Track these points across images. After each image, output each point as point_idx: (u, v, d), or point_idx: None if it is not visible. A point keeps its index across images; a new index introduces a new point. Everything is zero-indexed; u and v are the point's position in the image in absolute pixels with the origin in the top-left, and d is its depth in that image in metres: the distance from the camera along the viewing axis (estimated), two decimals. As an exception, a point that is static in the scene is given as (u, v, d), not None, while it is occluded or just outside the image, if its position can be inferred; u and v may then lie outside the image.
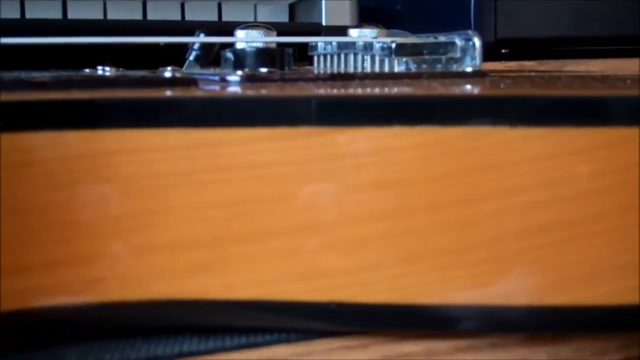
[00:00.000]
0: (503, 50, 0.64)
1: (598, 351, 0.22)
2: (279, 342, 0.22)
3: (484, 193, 0.21)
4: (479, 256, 0.21)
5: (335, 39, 0.37)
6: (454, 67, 0.33)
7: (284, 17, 0.60)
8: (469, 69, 0.33)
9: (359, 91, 0.26)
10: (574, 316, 0.21)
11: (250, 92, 0.25)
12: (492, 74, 0.33)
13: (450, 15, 0.66)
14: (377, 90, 0.26)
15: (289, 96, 0.22)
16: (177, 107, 0.21)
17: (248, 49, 0.33)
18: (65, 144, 0.20)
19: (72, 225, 0.20)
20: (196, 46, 0.40)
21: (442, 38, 0.34)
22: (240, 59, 0.33)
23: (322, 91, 0.25)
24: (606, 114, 0.21)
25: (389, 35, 0.37)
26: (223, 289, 0.21)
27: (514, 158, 0.20)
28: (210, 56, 0.40)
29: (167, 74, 0.32)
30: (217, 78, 0.30)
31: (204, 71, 0.35)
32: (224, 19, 0.57)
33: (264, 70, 0.32)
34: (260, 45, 0.33)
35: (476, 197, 0.21)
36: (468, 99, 0.22)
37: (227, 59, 0.33)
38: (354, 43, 0.35)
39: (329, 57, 0.38)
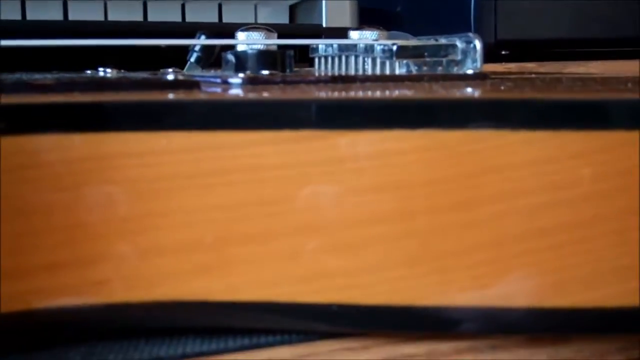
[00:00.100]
0: (503, 52, 0.64)
1: (598, 353, 0.22)
2: (281, 343, 0.22)
3: (484, 196, 0.21)
4: (480, 258, 0.21)
5: (336, 42, 0.37)
6: (455, 70, 0.33)
7: (284, 18, 0.60)
8: (469, 72, 0.33)
9: (360, 94, 0.26)
10: (574, 318, 0.21)
11: (253, 96, 0.25)
12: (493, 76, 0.33)
13: (450, 17, 0.66)
14: (378, 94, 0.26)
15: (291, 100, 0.23)
16: (180, 110, 0.21)
17: (249, 51, 0.33)
18: (70, 147, 0.20)
19: (76, 227, 0.21)
20: (197, 48, 0.40)
21: (443, 40, 0.34)
22: (241, 61, 0.33)
23: (323, 94, 0.25)
24: (607, 117, 0.21)
25: (389, 37, 0.37)
26: (226, 291, 0.21)
27: (514, 161, 0.21)
28: (212, 58, 0.40)
29: (170, 76, 0.32)
30: (219, 80, 0.30)
31: (205, 73, 0.35)
32: (225, 19, 0.57)
33: (265, 72, 0.32)
34: (261, 47, 0.33)
35: (477, 200, 0.21)
36: (469, 103, 0.22)
37: (228, 61, 0.33)
38: (355, 45, 0.35)
39: (329, 59, 0.38)
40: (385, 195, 0.21)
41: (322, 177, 0.21)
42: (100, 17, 0.54)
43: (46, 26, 0.51)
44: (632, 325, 0.21)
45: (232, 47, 0.34)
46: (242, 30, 0.34)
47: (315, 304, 0.21)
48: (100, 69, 0.39)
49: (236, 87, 0.29)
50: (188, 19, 0.56)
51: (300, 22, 0.60)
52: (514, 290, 0.21)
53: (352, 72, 0.35)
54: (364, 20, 0.59)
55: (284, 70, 0.33)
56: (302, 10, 0.60)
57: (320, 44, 0.38)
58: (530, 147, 0.20)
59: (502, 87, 0.28)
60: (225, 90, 0.28)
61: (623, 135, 0.20)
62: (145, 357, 0.21)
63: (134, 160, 0.21)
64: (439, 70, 0.33)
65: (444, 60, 0.34)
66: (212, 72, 0.36)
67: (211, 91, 0.27)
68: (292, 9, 0.60)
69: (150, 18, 0.55)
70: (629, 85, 0.29)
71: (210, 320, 0.22)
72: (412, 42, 0.34)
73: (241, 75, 0.30)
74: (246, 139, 0.21)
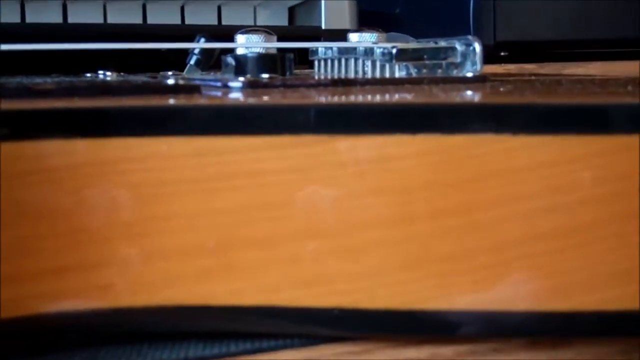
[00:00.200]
0: (502, 53, 0.64)
1: (598, 356, 0.22)
2: (283, 347, 0.22)
3: (484, 200, 0.21)
4: (480, 262, 0.21)
5: (336, 44, 0.37)
6: (455, 72, 0.33)
7: (283, 20, 0.60)
8: (469, 74, 0.33)
9: (361, 99, 0.26)
10: (574, 321, 0.21)
11: (254, 100, 0.25)
12: (492, 79, 0.34)
13: (449, 18, 0.67)
14: (378, 98, 0.26)
15: (292, 104, 0.23)
16: (182, 115, 0.21)
17: (249, 55, 0.33)
18: (73, 152, 0.20)
19: (80, 232, 0.21)
20: (197, 50, 0.40)
21: (442, 43, 0.34)
22: (241, 64, 0.33)
23: (324, 99, 0.25)
24: (607, 122, 0.21)
25: (388, 39, 0.37)
26: (228, 295, 0.21)
27: (515, 166, 0.21)
28: (211, 60, 0.40)
29: (170, 80, 0.33)
30: (219, 84, 0.30)
31: (205, 76, 0.35)
32: (224, 22, 0.57)
33: (265, 76, 0.32)
34: (261, 50, 0.33)
35: (477, 204, 0.21)
36: (470, 107, 0.22)
37: (228, 64, 0.34)
38: (354, 48, 0.35)
39: (329, 62, 0.38)
40: (385, 200, 0.21)
41: (323, 181, 0.21)
42: (99, 19, 0.54)
43: (46, 29, 0.51)
44: (632, 329, 0.21)
45: (232, 50, 0.34)
46: (241, 33, 0.34)
47: (317, 308, 0.21)
48: (100, 72, 0.39)
49: (237, 91, 0.29)
50: (187, 21, 0.56)
51: (300, 24, 0.60)
52: (514, 294, 0.21)
53: (352, 74, 0.36)
54: (363, 21, 0.60)
55: (284, 74, 0.33)
56: (301, 12, 0.60)
57: (320, 47, 0.38)
58: (530, 152, 0.21)
59: (502, 91, 0.28)
60: (225, 94, 0.28)
61: (622, 139, 0.21)
62: (148, 361, 0.21)
63: (136, 165, 0.21)
64: (439, 72, 0.33)
65: (444, 62, 0.34)
66: (212, 76, 0.36)
67: (212, 95, 0.27)
68: (291, 11, 0.60)
69: (150, 20, 0.55)
70: (629, 87, 0.29)
71: (212, 325, 0.22)
72: (412, 44, 0.34)
73: (241, 79, 0.31)
74: (248, 144, 0.21)
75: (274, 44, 0.34)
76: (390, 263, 0.21)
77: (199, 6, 0.56)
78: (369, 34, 0.37)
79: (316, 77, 0.35)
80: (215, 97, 0.27)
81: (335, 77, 0.35)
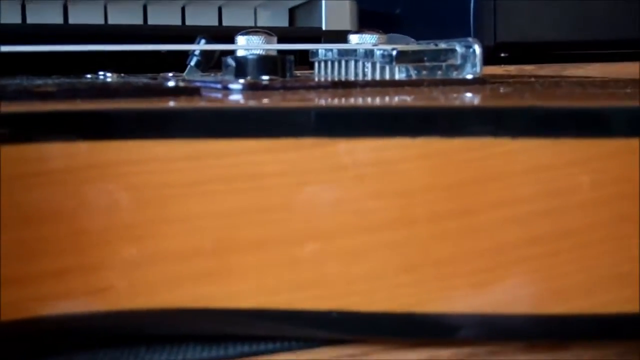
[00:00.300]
0: (503, 54, 0.64)
1: (597, 359, 0.22)
2: (281, 350, 0.22)
3: (484, 203, 0.21)
4: (479, 265, 0.21)
5: (336, 46, 0.37)
6: (455, 74, 0.33)
7: (284, 21, 0.60)
8: (469, 76, 0.33)
9: (360, 102, 0.26)
10: (572, 324, 0.21)
11: (253, 103, 0.25)
12: (492, 81, 0.34)
13: (450, 19, 0.67)
14: (378, 101, 0.26)
15: (292, 107, 0.23)
16: (182, 118, 0.21)
17: (249, 57, 0.33)
18: (74, 155, 0.21)
19: (80, 234, 0.21)
20: (197, 52, 0.40)
21: (442, 45, 0.34)
22: (241, 66, 0.33)
23: (323, 102, 0.25)
24: (606, 125, 0.21)
25: (388, 40, 0.37)
26: (226, 298, 0.21)
27: (514, 169, 0.21)
28: (212, 62, 0.40)
29: (171, 82, 0.33)
30: (219, 86, 0.30)
31: (205, 78, 0.35)
32: (225, 22, 0.57)
33: (265, 77, 0.32)
34: (261, 52, 0.33)
35: (477, 207, 0.21)
36: (469, 111, 0.22)
37: (228, 65, 0.34)
38: (354, 50, 0.35)
39: (329, 64, 0.38)
40: (384, 203, 0.21)
41: (322, 184, 0.21)
42: (100, 20, 0.54)
43: (47, 30, 0.51)
44: (630, 331, 0.21)
45: (232, 51, 0.34)
46: (242, 34, 0.34)
47: (315, 310, 0.21)
48: (101, 73, 0.40)
49: (236, 93, 0.29)
50: (188, 22, 0.56)
51: (300, 25, 0.60)
52: (512, 297, 0.21)
53: (352, 76, 0.36)
54: (364, 22, 0.60)
55: (284, 76, 0.33)
56: (302, 13, 0.60)
57: (320, 48, 0.38)
58: (529, 155, 0.21)
59: (501, 93, 0.28)
60: (225, 96, 0.28)
61: (621, 142, 0.21)
62: (146, 364, 0.21)
63: (136, 167, 0.21)
64: (439, 74, 0.33)
65: (444, 64, 0.34)
66: (212, 77, 0.36)
67: (212, 97, 0.27)
68: (292, 12, 0.60)
69: (150, 21, 0.55)
70: (628, 90, 0.29)
71: (211, 327, 0.22)
72: (412, 46, 0.34)
73: (241, 81, 0.31)
74: (247, 147, 0.21)
75: (274, 46, 0.34)
76: (389, 266, 0.21)
77: (199, 7, 0.56)
78: (369, 35, 0.37)
79: (316, 79, 0.35)
80: (215, 99, 0.27)
81: (335, 79, 0.35)
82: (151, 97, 0.26)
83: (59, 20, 0.53)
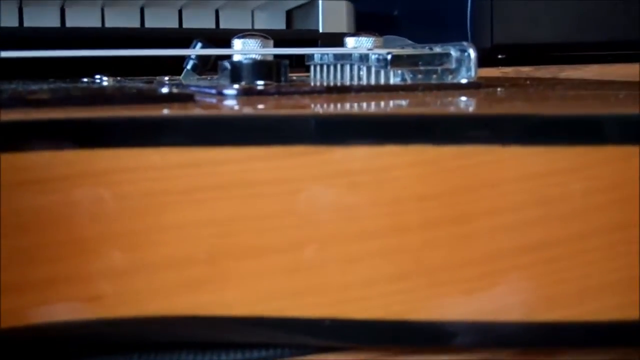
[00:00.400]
0: (500, 56, 0.64)
1: (591, 365, 0.22)
2: (274, 357, 0.22)
3: (477, 211, 0.21)
4: (473, 272, 0.21)
5: (331, 51, 0.37)
6: (450, 78, 0.33)
7: (281, 24, 0.60)
8: (464, 81, 0.33)
9: (355, 109, 0.26)
10: (567, 332, 0.21)
11: (247, 110, 0.25)
12: (487, 84, 0.34)
13: (446, 21, 0.67)
14: (372, 107, 0.26)
15: (285, 115, 0.23)
16: (174, 126, 0.21)
17: (245, 61, 0.33)
18: (65, 163, 0.21)
19: (71, 242, 0.21)
20: (194, 55, 0.40)
21: (437, 49, 0.34)
22: (237, 70, 0.33)
23: (317, 109, 0.25)
24: (599, 133, 0.21)
25: (385, 42, 0.37)
26: (219, 306, 0.21)
27: (507, 176, 0.21)
28: (208, 65, 0.40)
29: (164, 88, 0.33)
30: (214, 91, 0.30)
31: (201, 83, 0.35)
32: (222, 25, 0.57)
33: (260, 82, 0.32)
34: (257, 57, 0.33)
35: (470, 214, 0.21)
36: (462, 118, 0.22)
37: (224, 69, 0.34)
38: (350, 54, 0.35)
39: (325, 67, 0.38)
40: (377, 210, 0.21)
41: (315, 192, 0.21)
42: (97, 23, 0.54)
43: (43, 33, 0.51)
44: (625, 339, 0.21)
45: (228, 54, 0.34)
46: (238, 38, 0.34)
47: (308, 318, 0.21)
48: (97, 76, 0.40)
49: (231, 99, 0.29)
50: (185, 25, 0.56)
51: (297, 28, 0.60)
52: (506, 304, 0.21)
53: (347, 80, 0.36)
54: (361, 24, 0.60)
55: (279, 80, 0.33)
56: (299, 15, 0.60)
57: (316, 53, 0.38)
58: (522, 162, 0.21)
59: (495, 98, 0.28)
60: (220, 101, 0.28)
61: (615, 150, 0.21)
62: (139, 372, 0.21)
63: (128, 175, 0.21)
64: (434, 78, 0.33)
65: (439, 69, 0.34)
66: (207, 82, 0.36)
67: (206, 103, 0.27)
68: (289, 15, 0.60)
69: (148, 24, 0.55)
70: (621, 96, 0.29)
71: (203, 335, 0.22)
72: (407, 50, 0.34)
73: (236, 86, 0.31)
74: (240, 155, 0.21)
75: (270, 50, 0.34)
76: (382, 273, 0.21)
77: (196, 10, 0.56)
78: (365, 38, 0.37)
79: (311, 84, 0.35)
80: (209, 105, 0.27)
81: (330, 84, 0.35)
82: (145, 104, 0.26)
83: (56, 23, 0.53)
